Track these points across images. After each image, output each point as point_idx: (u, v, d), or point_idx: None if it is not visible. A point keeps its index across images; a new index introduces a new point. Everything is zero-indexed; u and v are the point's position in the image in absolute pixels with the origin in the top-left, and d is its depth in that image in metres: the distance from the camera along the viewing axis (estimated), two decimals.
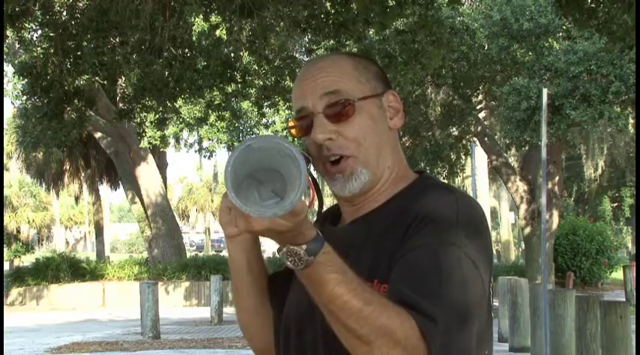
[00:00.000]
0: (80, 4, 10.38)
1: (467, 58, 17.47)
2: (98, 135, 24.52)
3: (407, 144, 19.94)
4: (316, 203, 1.62)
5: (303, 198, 1.27)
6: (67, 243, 62.47)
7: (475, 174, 25.29)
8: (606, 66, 15.64)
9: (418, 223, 1.46)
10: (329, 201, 1.76)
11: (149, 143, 22.23)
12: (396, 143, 1.64)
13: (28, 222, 43.64)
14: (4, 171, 34.55)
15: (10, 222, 41.43)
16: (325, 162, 1.57)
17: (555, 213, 20.10)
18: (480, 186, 27.54)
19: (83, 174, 32.30)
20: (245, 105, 21.34)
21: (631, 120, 18.49)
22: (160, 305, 14.98)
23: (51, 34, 10.04)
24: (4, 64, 16.45)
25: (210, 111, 17.44)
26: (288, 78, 11.64)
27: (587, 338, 7.75)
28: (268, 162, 1.30)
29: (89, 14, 9.58)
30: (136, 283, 19.01)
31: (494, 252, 31.96)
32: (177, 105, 14.91)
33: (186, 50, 10.74)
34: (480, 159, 25.77)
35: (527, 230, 20.52)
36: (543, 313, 9.23)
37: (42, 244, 48.49)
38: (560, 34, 17.40)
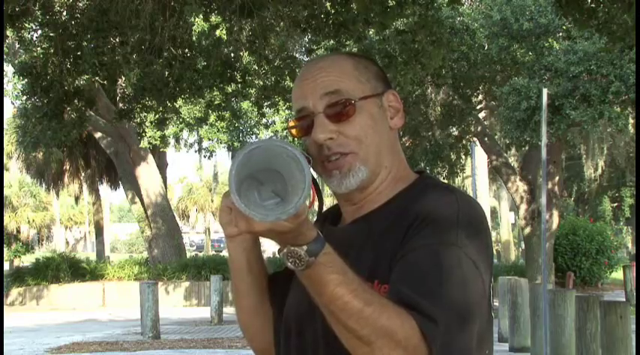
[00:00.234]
0: (80, 4, 10.38)
1: (467, 58, 17.46)
2: (98, 135, 24.53)
3: (407, 144, 19.94)
4: (316, 203, 1.62)
5: None
6: (67, 243, 62.48)
7: (475, 174, 25.31)
8: (606, 66, 15.64)
9: (418, 223, 1.46)
10: (329, 201, 1.76)
11: (149, 143, 22.24)
12: (396, 143, 1.64)
13: (28, 222, 43.64)
14: (4, 171, 34.55)
15: (10, 222, 41.43)
16: (324, 161, 1.57)
17: (555, 213, 20.10)
18: (480, 186, 27.55)
19: (83, 174, 32.30)
20: (245, 105, 21.34)
21: (631, 120, 18.49)
22: (160, 305, 14.98)
23: (51, 34, 10.04)
24: (4, 64, 16.45)
25: (210, 111, 17.45)
26: (288, 78, 11.64)
27: (587, 338, 7.75)
28: (269, 163, 1.30)
29: (89, 14, 9.58)
30: (136, 283, 19.01)
31: (495, 252, 31.95)
32: (177, 105, 14.91)
33: (186, 50, 10.74)
34: (480, 159, 25.79)
35: (527, 230, 20.52)
36: (543, 313, 9.23)
37: (42, 244, 48.50)
38: (560, 34, 17.40)
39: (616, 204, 42.95)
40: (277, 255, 1.35)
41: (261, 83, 12.83)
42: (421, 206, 1.49)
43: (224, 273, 19.41)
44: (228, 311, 18.03)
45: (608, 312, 7.16)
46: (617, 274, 25.92)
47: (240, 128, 25.25)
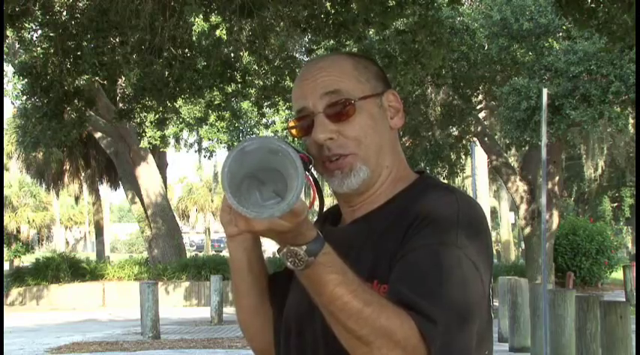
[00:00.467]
0: (80, 4, 10.38)
1: (467, 58, 17.46)
2: (98, 135, 24.52)
3: (407, 144, 19.94)
4: (317, 203, 1.62)
5: (303, 198, 1.26)
6: (67, 243, 62.47)
7: (475, 174, 25.31)
8: (606, 66, 15.64)
9: (418, 223, 1.46)
10: (329, 201, 1.76)
11: (149, 143, 22.24)
12: (396, 143, 1.64)
13: (28, 222, 43.64)
14: (4, 171, 34.54)
15: (10, 222, 41.43)
16: (325, 161, 1.57)
17: (555, 213, 20.10)
18: (480, 186, 27.54)
19: (83, 174, 32.30)
20: (245, 105, 21.34)
21: (631, 120, 18.49)
22: (160, 305, 14.97)
23: (51, 34, 10.04)
24: (4, 64, 16.45)
25: (210, 111, 17.45)
26: (288, 78, 11.65)
27: (587, 338, 7.75)
28: (269, 162, 1.29)
29: (89, 14, 9.58)
30: (136, 283, 19.01)
31: (495, 252, 31.95)
32: (177, 105, 14.91)
33: (186, 50, 10.74)
34: (480, 159, 25.78)
35: (527, 230, 20.52)
36: (543, 313, 9.23)
37: (42, 244, 48.48)
38: (560, 34, 17.40)
39: (616, 204, 42.95)
40: (277, 255, 1.35)
41: (261, 83, 12.83)
42: (421, 206, 1.49)
43: (224, 273, 19.42)
44: (228, 311, 18.03)
45: (608, 312, 7.16)
46: (617, 274, 25.92)
47: (240, 128, 25.24)
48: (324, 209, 1.69)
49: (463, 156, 23.24)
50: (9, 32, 10.03)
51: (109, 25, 9.44)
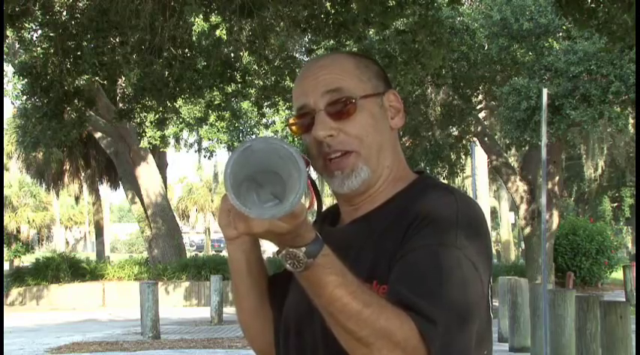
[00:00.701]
0: (80, 4, 10.38)
1: (467, 58, 17.46)
2: (98, 135, 24.53)
3: (407, 144, 19.94)
4: (315, 204, 1.61)
5: (302, 200, 1.26)
6: (67, 243, 62.47)
7: (475, 174, 25.28)
8: (606, 66, 15.63)
9: (418, 223, 1.46)
10: (329, 201, 1.76)
11: (149, 143, 22.24)
12: (396, 143, 1.63)
13: (28, 222, 43.64)
14: (4, 171, 34.54)
15: (10, 222, 41.43)
16: (325, 159, 1.56)
17: (555, 213, 20.10)
18: (480, 186, 27.52)
19: (83, 174, 32.30)
20: (245, 105, 21.34)
21: (631, 120, 18.48)
22: (160, 305, 14.97)
23: (51, 34, 10.04)
24: (4, 64, 16.45)
25: (210, 111, 17.44)
26: (288, 78, 11.65)
27: (587, 338, 7.75)
28: (267, 165, 1.29)
29: (89, 14, 9.58)
30: (136, 283, 19.01)
31: (494, 252, 31.96)
32: (177, 105, 14.91)
33: (186, 50, 10.74)
34: (480, 159, 25.76)
35: (527, 230, 20.52)
36: (543, 313, 9.23)
37: (42, 244, 48.48)
38: (560, 34, 17.40)
39: (616, 204, 42.95)
40: (276, 256, 1.35)
41: (261, 83, 12.83)
42: (421, 206, 1.49)
43: (224, 273, 19.41)
44: (228, 311, 18.03)
45: (608, 312, 7.16)
46: (617, 274, 25.92)
47: (240, 128, 25.25)
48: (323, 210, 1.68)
49: (463, 156, 23.23)
50: (9, 32, 10.03)
51: (109, 25, 9.44)
